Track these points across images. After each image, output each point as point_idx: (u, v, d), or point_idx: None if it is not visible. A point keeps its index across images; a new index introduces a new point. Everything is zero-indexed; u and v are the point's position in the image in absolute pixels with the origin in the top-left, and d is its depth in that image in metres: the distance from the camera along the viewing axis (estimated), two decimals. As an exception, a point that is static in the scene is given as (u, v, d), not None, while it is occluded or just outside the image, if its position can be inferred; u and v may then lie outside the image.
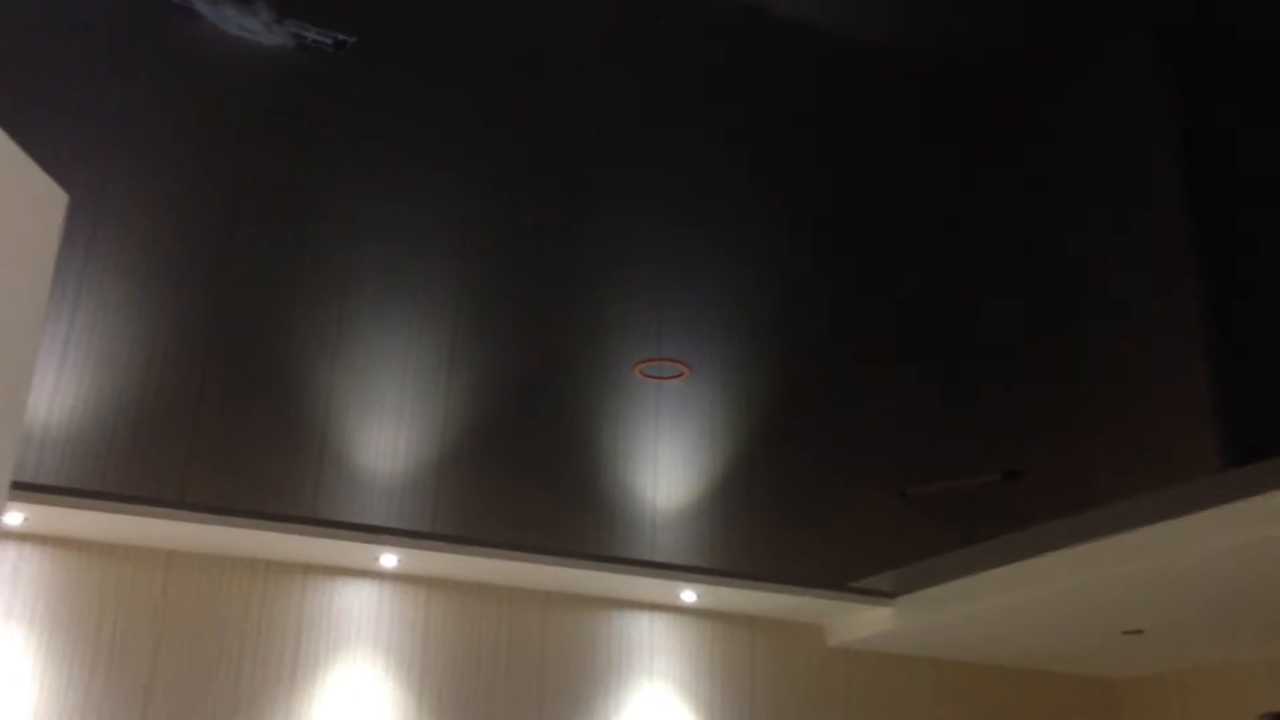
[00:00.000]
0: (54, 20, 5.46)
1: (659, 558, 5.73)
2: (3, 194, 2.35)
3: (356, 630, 5.35)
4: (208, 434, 5.30)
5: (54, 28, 5.46)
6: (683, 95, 6.14)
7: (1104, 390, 5.66)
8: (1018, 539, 5.35)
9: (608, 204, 4.77)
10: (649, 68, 6.19)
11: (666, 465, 5.24)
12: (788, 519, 5.72)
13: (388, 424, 5.69)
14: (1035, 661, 6.74)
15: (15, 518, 4.70)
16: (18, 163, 2.43)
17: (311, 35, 5.81)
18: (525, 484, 5.69)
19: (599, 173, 5.53)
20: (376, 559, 5.30)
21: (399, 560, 5.32)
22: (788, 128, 5.92)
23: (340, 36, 5.84)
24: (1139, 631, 5.89)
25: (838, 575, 6.00)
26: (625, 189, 5.16)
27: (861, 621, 6.12)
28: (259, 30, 5.85)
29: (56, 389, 5.00)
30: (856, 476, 5.77)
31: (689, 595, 5.84)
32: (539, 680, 5.63)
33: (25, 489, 4.51)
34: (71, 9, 5.44)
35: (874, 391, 5.62)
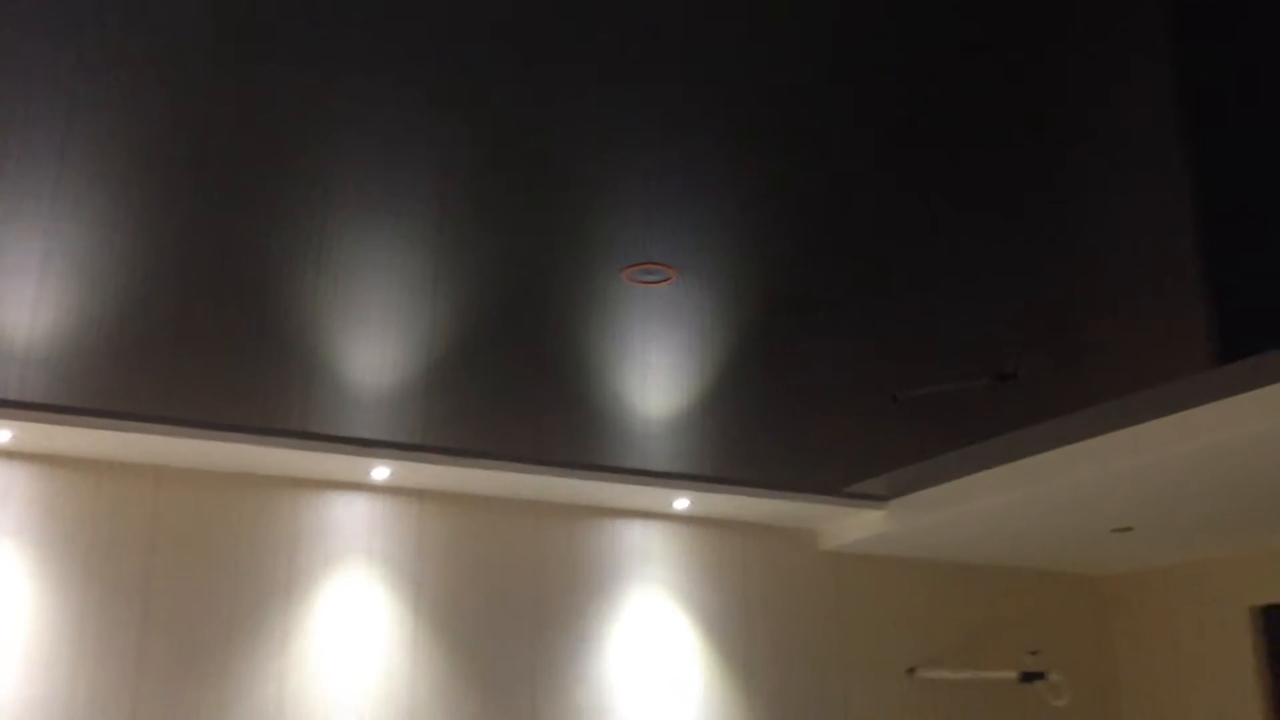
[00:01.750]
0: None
1: (651, 466, 5.73)
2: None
3: (350, 543, 5.36)
4: (193, 349, 5.24)
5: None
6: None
7: (1093, 287, 5.63)
8: (1009, 440, 5.36)
9: (588, 103, 4.67)
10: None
11: (656, 373, 5.22)
12: (780, 425, 5.72)
13: (375, 336, 5.64)
14: (1025, 560, 6.81)
15: (3, 435, 4.66)
16: None
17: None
18: (515, 394, 5.66)
19: (578, 69, 5.39)
20: (368, 472, 5.29)
21: (390, 473, 5.31)
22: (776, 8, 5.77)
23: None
24: (1128, 529, 5.94)
25: (830, 480, 6.02)
26: (607, 87, 5.04)
27: (854, 525, 6.16)
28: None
29: (38, 304, 4.93)
30: (848, 382, 5.75)
31: (682, 503, 5.85)
32: (534, 589, 5.67)
33: (11, 406, 4.47)
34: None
35: (864, 294, 5.58)
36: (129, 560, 4.93)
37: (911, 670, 6.41)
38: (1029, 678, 6.07)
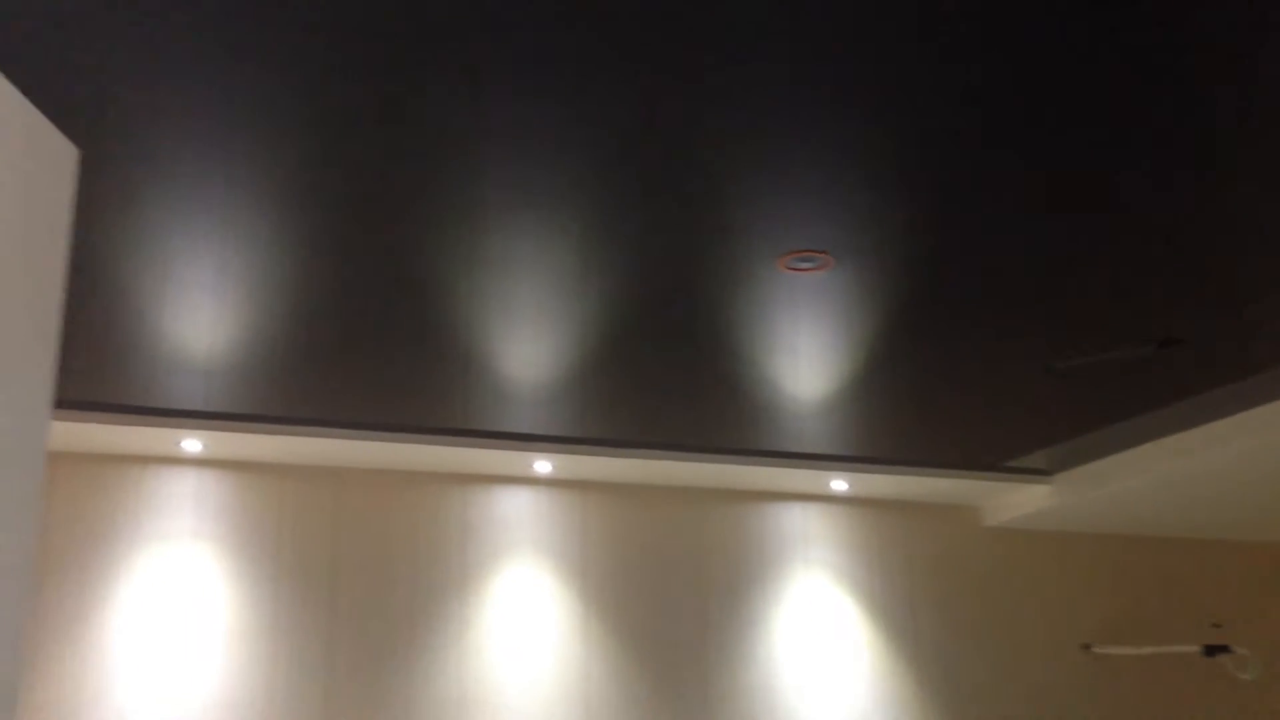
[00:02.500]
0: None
1: (808, 449, 5.73)
2: (15, 151, 2.41)
3: (518, 535, 5.52)
4: (361, 354, 5.47)
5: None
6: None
7: (1263, 249, 5.38)
8: (1180, 408, 5.18)
9: (737, 88, 4.69)
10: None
11: (810, 355, 5.21)
12: (937, 402, 5.65)
13: (530, 331, 5.78)
14: (1202, 530, 6.57)
15: (194, 445, 4.96)
16: (29, 120, 2.49)
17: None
18: (670, 383, 5.73)
19: (725, 56, 5.42)
20: (531, 466, 5.44)
21: (553, 466, 5.45)
22: None
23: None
24: (1314, 495, 5.68)
25: (991, 456, 5.92)
26: (755, 72, 5.05)
27: (1018, 501, 6.05)
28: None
29: (217, 318, 5.22)
30: (1004, 354, 5.64)
31: (840, 484, 5.84)
32: (698, 575, 5.74)
33: (200, 417, 4.76)
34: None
35: (1018, 263, 5.46)
36: (315, 560, 5.19)
37: (1087, 646, 6.26)
38: (1213, 651, 5.86)
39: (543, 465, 5.44)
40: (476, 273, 5.84)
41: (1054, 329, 4.66)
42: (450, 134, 5.80)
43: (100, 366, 4.74)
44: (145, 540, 5.01)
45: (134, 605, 4.91)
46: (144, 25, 4.17)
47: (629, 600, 5.60)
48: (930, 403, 5.53)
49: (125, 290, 4.89)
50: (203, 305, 5.14)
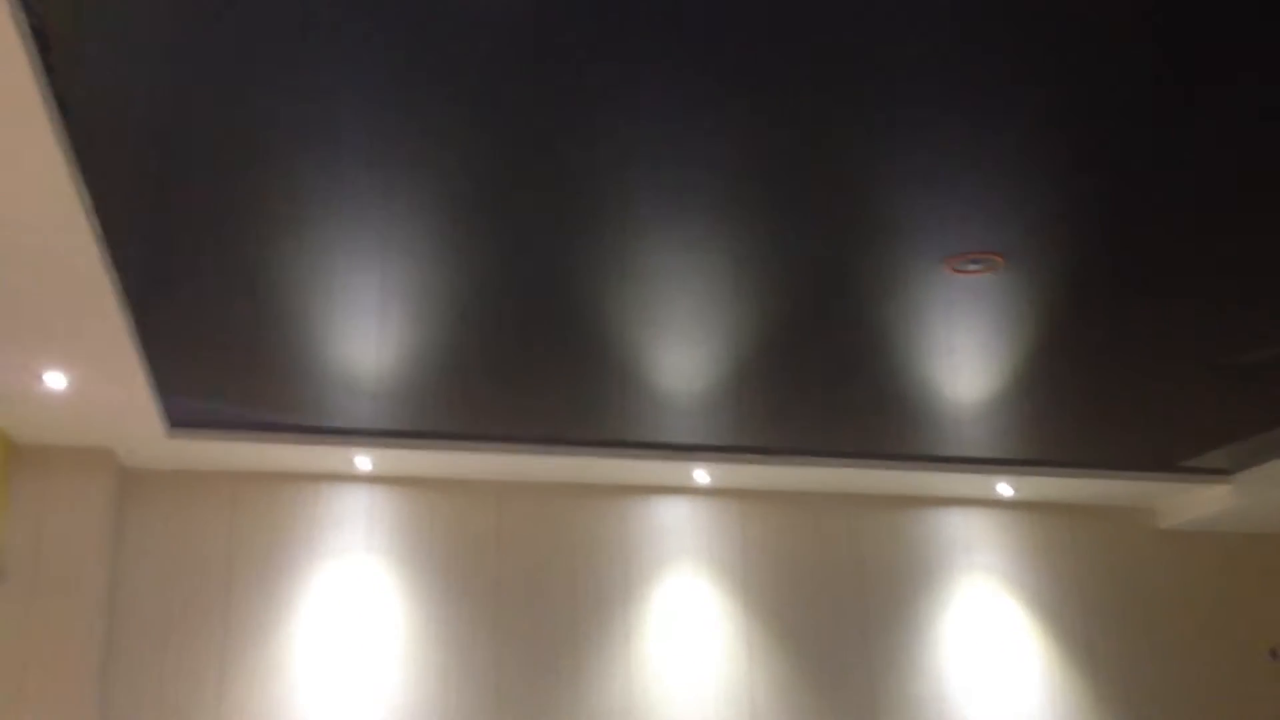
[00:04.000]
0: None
1: (969, 452, 5.60)
2: None
3: (679, 545, 5.53)
4: (520, 370, 5.56)
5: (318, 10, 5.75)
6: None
7: None
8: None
9: (903, 91, 4.61)
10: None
11: (972, 357, 5.09)
12: (1106, 401, 5.45)
13: (683, 341, 5.79)
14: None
15: (364, 463, 5.11)
16: None
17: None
18: (825, 389, 5.67)
19: (892, 58, 5.35)
20: (689, 476, 5.44)
21: (711, 476, 5.44)
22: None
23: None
24: None
25: (1164, 456, 5.68)
26: (925, 73, 4.96)
27: (1195, 502, 5.80)
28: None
29: (381, 339, 5.37)
30: (1179, 350, 5.42)
31: (1005, 489, 5.69)
32: (860, 582, 5.66)
33: (369, 435, 4.90)
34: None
35: (1191, 259, 5.24)
36: (480, 572, 5.29)
37: (1275, 652, 5.96)
38: None
39: (701, 475, 5.44)
40: (631, 283, 5.88)
41: (1230, 324, 4.46)
42: (605, 146, 5.85)
43: (278, 390, 4.92)
44: (322, 555, 5.18)
45: (313, 617, 5.08)
46: (311, 47, 4.31)
47: (791, 609, 5.56)
48: (1099, 402, 5.34)
49: (298, 316, 5.07)
50: (368, 326, 5.29)
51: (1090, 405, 5.43)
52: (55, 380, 4.09)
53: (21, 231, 3.06)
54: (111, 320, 3.64)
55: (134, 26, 4.14)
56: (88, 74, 3.18)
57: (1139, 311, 4.37)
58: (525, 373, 5.56)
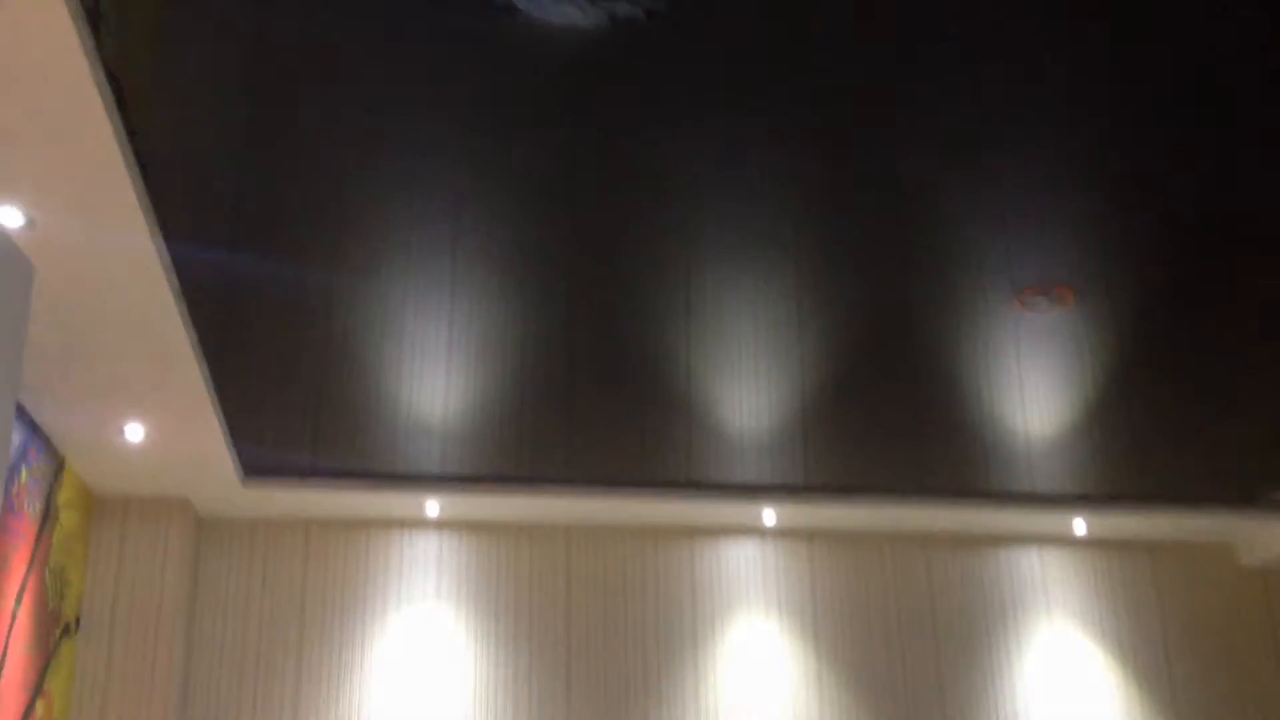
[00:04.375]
0: (384, 42, 5.84)
1: (1040, 488, 5.50)
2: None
3: (747, 587, 5.49)
4: (584, 413, 5.57)
5: (382, 50, 5.84)
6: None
7: None
8: None
9: (966, 125, 4.59)
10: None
11: (1043, 391, 5.02)
12: (1182, 434, 5.34)
13: (748, 380, 5.77)
14: None
15: (433, 508, 5.14)
16: None
17: (623, 10, 5.92)
18: (892, 426, 5.61)
19: (953, 93, 5.33)
20: (756, 517, 5.41)
21: (779, 516, 5.40)
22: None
23: (651, 6, 5.92)
24: None
25: (1247, 489, 5.54)
26: (999, 111, 4.95)
27: (1278, 538, 5.64)
28: (573, 14, 6.02)
29: (449, 384, 5.41)
30: (1254, 381, 5.29)
31: (1080, 526, 5.58)
32: (932, 624, 5.57)
33: (436, 480, 4.93)
34: (393, 27, 5.78)
35: (1263, 288, 5.14)
36: (550, 616, 5.29)
37: (1367, 694, 5.76)
38: None
39: (769, 516, 5.40)
40: (696, 322, 5.88)
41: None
42: (669, 187, 5.87)
43: (349, 436, 4.98)
44: (393, 602, 5.21)
45: (384, 663, 5.10)
46: (384, 109, 4.38)
47: (862, 652, 5.48)
48: (1176, 435, 5.24)
49: (369, 363, 5.13)
50: (437, 372, 5.34)
51: (1166, 438, 5.32)
52: (134, 432, 4.17)
53: (106, 291, 3.14)
54: (189, 373, 3.71)
55: (213, 91, 4.24)
56: (168, 137, 3.26)
57: (1215, 343, 4.28)
58: (591, 415, 5.57)
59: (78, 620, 4.67)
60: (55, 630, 4.42)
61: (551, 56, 5.89)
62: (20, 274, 2.87)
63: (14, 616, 3.98)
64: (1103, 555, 5.80)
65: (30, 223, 2.78)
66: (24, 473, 4.00)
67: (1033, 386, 5.24)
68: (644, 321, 5.83)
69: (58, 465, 4.38)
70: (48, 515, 4.29)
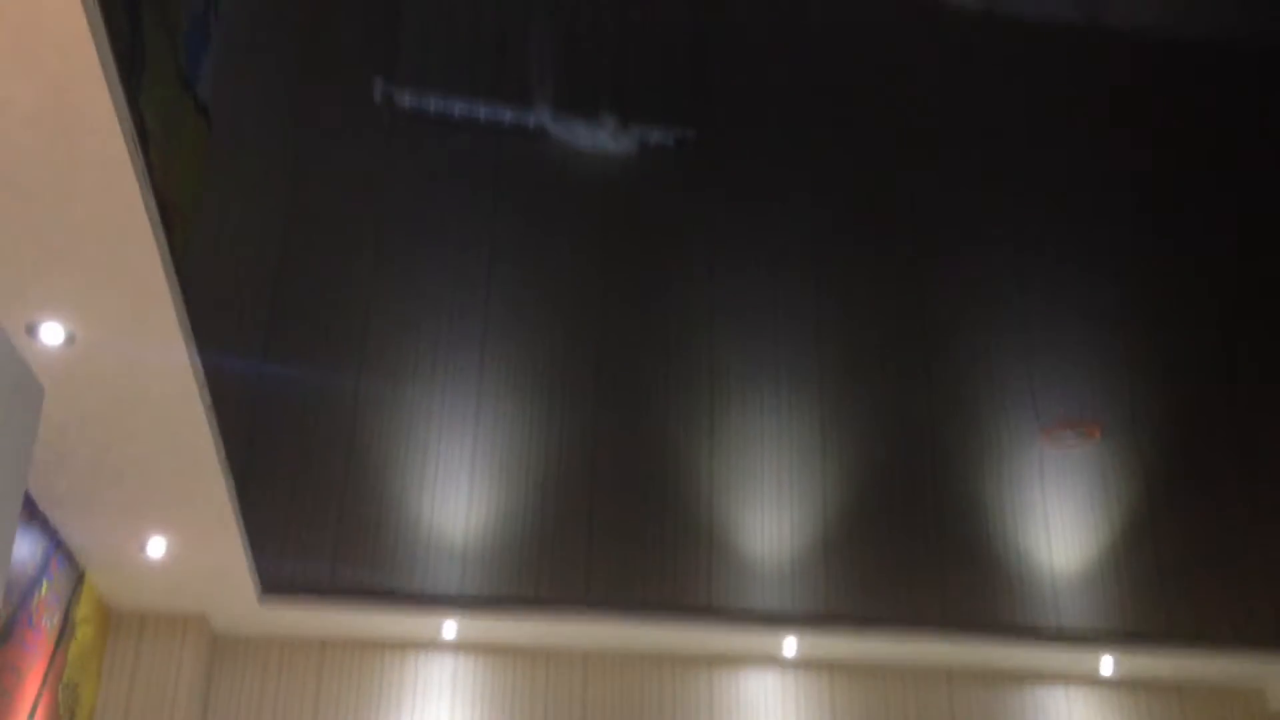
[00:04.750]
0: (422, 168, 6.00)
1: (1066, 623, 5.41)
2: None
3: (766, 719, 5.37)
4: (607, 536, 5.53)
5: (421, 175, 6.00)
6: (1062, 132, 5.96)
7: None
8: None
9: (993, 257, 4.64)
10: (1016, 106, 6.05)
11: (1063, 525, 4.97)
12: (1208, 572, 5.26)
13: (770, 507, 5.74)
14: None
15: (449, 629, 5.08)
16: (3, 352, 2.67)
17: (654, 138, 6.09)
18: (918, 556, 5.55)
19: (974, 231, 5.43)
20: (776, 647, 5.32)
21: (798, 647, 5.31)
22: (1194, 154, 5.60)
23: (681, 135, 6.09)
24: None
25: (1275, 631, 5.43)
26: (1023, 248, 5.02)
27: (1312, 682, 5.50)
28: (604, 140, 6.17)
29: (470, 504, 5.39)
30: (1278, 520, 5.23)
31: (1107, 665, 5.47)
32: (956, 763, 5.42)
33: (453, 601, 4.88)
34: (428, 156, 5.94)
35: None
36: (564, 744, 5.17)
37: None
38: None
39: (789, 646, 5.32)
40: (720, 446, 5.88)
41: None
42: (693, 311, 5.92)
43: (368, 554, 4.96)
44: (406, 725, 5.12)
45: (394, 791, 4.99)
46: (405, 246, 4.47)
47: (885, 791, 5.33)
48: (1204, 572, 5.16)
49: (392, 478, 5.14)
50: (458, 489, 5.33)
51: (1195, 576, 5.25)
52: (156, 547, 4.16)
53: (139, 406, 3.18)
54: (214, 487, 3.73)
55: (253, 212, 4.36)
56: (209, 255, 3.34)
57: (1243, 479, 4.24)
58: (611, 538, 5.54)
59: (87, 737, 4.61)
60: (64, 747, 4.35)
61: (583, 183, 6.04)
62: (31, 398, 2.92)
63: (24, 732, 3.93)
64: (1131, 696, 5.67)
65: (70, 339, 2.83)
66: (44, 586, 3.99)
67: (1058, 520, 5.19)
68: (666, 445, 5.84)
69: (77, 579, 4.37)
70: (65, 629, 4.27)
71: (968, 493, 4.79)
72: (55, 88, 2.13)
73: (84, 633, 4.49)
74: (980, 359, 5.06)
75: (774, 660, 5.48)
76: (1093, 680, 5.67)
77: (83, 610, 4.45)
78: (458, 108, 5.90)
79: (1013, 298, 4.97)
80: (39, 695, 4.03)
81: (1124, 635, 5.37)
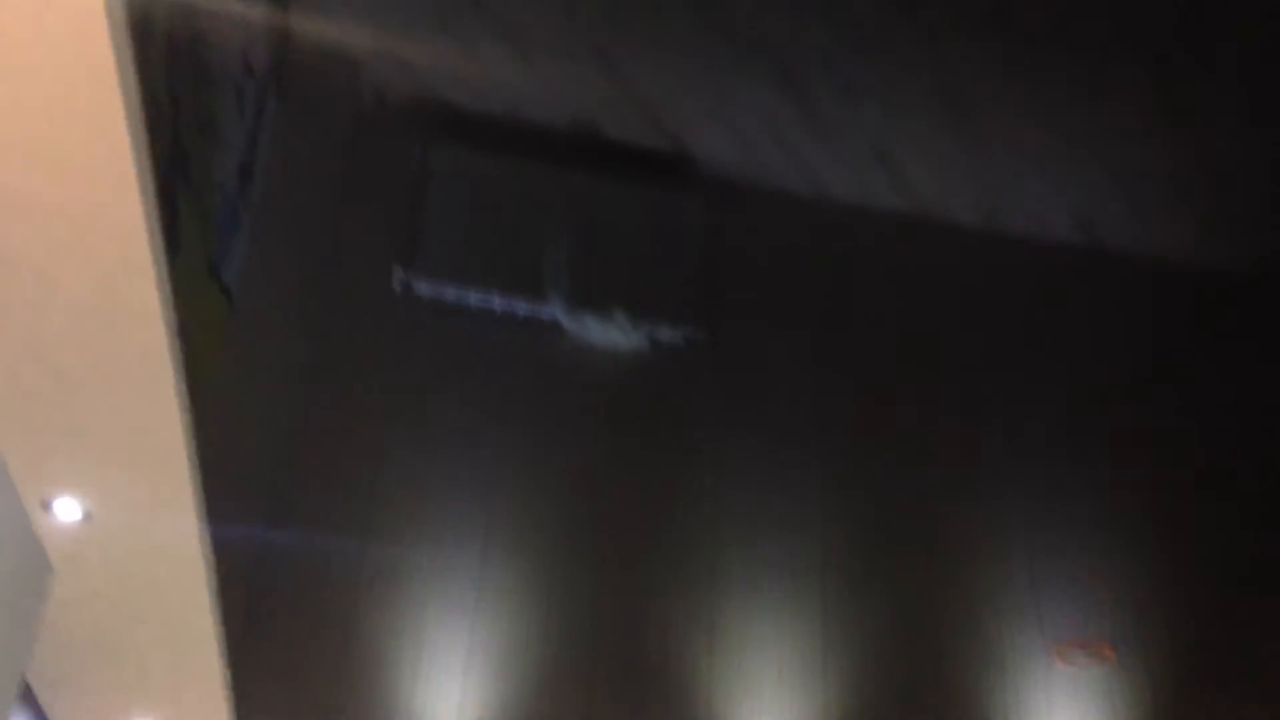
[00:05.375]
0: (437, 354, 6.10)
1: None
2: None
3: None
4: (601, 734, 5.38)
5: (435, 360, 6.09)
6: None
7: None
8: None
9: (1009, 471, 4.67)
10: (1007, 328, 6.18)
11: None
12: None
13: (769, 710, 5.61)
14: None
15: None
16: (17, 522, 2.69)
17: (664, 335, 6.22)
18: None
19: (985, 447, 5.48)
20: None
21: None
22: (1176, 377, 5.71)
23: (691, 334, 6.22)
24: None
25: None
26: (1029, 465, 5.06)
27: None
28: (616, 337, 6.30)
29: (464, 700, 5.27)
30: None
31: None
32: None
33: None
34: (442, 337, 6.04)
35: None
36: None
37: None
38: None
39: None
40: (716, 650, 5.78)
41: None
42: (695, 501, 5.92)
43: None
44: None
45: None
46: (411, 432, 4.51)
47: None
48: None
49: (387, 666, 5.04)
50: (452, 679, 5.23)
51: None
52: (142, 729, 4.07)
53: (145, 586, 3.16)
54: (210, 670, 3.67)
55: (270, 389, 4.42)
56: (227, 434, 3.38)
57: (1255, 711, 4.17)
58: (608, 738, 5.39)
59: None
60: None
61: (591, 376, 6.13)
62: (40, 579, 2.91)
63: None
64: None
65: (87, 517, 2.84)
66: (24, 766, 3.88)
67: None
68: (666, 638, 5.74)
69: (57, 757, 4.24)
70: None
71: (973, 710, 4.69)
72: (105, 276, 2.21)
73: (58, 817, 4.32)
74: (987, 569, 5.03)
75: None
76: None
77: (59, 792, 4.30)
78: (473, 298, 6.05)
79: (1023, 507, 4.98)
80: None
81: None
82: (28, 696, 3.80)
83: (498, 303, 6.04)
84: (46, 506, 2.82)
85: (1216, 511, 5.57)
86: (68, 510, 2.83)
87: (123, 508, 2.85)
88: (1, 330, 2.27)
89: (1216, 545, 5.43)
